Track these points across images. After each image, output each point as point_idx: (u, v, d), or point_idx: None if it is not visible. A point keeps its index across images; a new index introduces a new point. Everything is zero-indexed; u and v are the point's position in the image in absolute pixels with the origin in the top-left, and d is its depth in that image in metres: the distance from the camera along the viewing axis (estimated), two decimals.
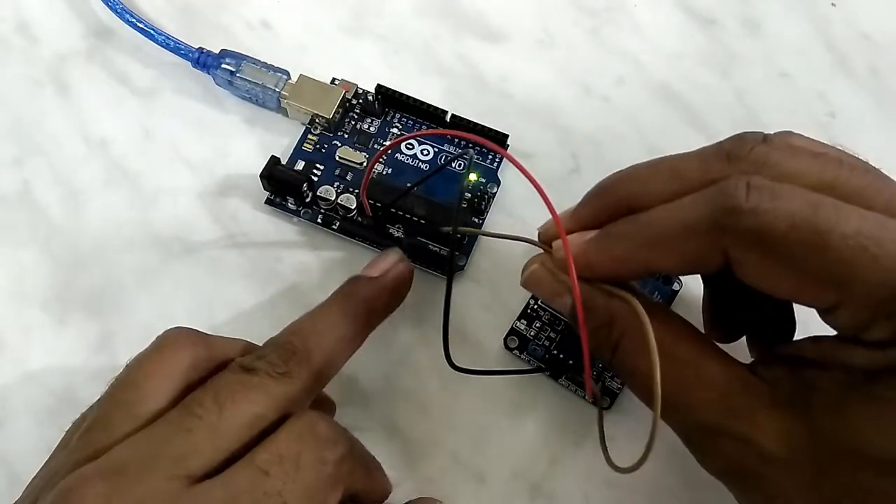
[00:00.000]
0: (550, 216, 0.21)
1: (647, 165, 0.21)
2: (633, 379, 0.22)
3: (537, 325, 0.28)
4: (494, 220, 0.30)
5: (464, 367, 0.24)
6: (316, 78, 0.30)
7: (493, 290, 0.29)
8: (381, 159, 0.30)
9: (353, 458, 0.21)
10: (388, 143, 0.30)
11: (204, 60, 0.30)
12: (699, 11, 0.33)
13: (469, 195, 0.29)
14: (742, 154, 0.19)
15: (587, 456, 0.27)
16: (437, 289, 0.29)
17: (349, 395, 0.28)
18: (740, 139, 0.20)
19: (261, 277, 0.29)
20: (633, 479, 0.27)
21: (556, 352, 0.28)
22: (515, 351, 0.28)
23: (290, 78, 0.30)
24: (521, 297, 0.29)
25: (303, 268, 0.29)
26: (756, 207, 0.18)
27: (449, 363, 0.24)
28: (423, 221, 0.28)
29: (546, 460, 0.27)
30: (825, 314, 0.19)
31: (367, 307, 0.24)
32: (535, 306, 0.28)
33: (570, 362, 0.28)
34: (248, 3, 0.33)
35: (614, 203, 0.21)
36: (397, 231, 0.29)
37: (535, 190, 0.21)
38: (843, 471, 0.18)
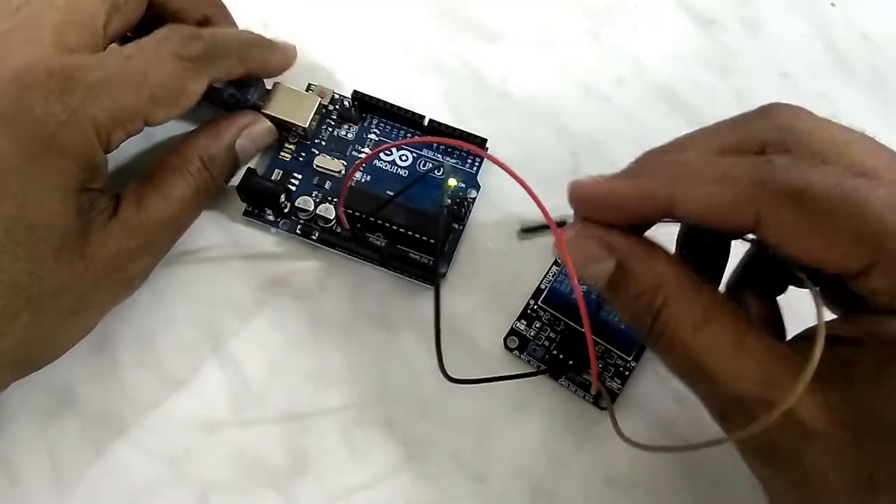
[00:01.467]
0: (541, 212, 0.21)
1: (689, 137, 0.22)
2: (672, 350, 0.21)
3: (537, 325, 0.28)
4: (478, 222, 0.30)
5: (461, 377, 0.24)
6: (292, 86, 0.30)
7: (492, 291, 0.29)
8: (360, 168, 0.30)
9: (213, 55, 0.26)
10: (366, 149, 0.30)
11: None
12: (699, 11, 0.33)
13: (448, 201, 0.29)
14: (776, 118, 0.21)
15: (587, 456, 0.27)
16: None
17: (349, 395, 0.28)
18: (770, 108, 0.21)
19: (261, 279, 0.29)
20: (633, 479, 0.27)
21: (555, 352, 0.28)
22: (515, 351, 0.28)
23: (264, 86, 0.30)
24: (520, 297, 0.29)
25: (304, 268, 0.29)
26: (797, 167, 0.19)
27: (445, 376, 0.24)
28: (403, 230, 0.28)
29: (546, 460, 0.27)
30: (855, 279, 0.19)
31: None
32: (535, 306, 0.28)
33: (570, 362, 0.28)
34: (248, 2, 0.33)
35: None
36: (377, 240, 0.29)
37: (520, 189, 0.21)
38: (880, 444, 0.18)
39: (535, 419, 0.28)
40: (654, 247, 0.21)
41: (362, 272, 0.29)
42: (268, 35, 0.29)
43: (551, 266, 0.29)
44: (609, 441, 0.27)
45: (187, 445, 0.27)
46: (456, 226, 0.29)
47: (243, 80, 0.28)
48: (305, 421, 0.28)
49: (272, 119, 0.29)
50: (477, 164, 0.30)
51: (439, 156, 0.30)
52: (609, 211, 0.22)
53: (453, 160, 0.30)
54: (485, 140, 0.29)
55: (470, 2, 0.33)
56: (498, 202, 0.30)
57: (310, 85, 0.31)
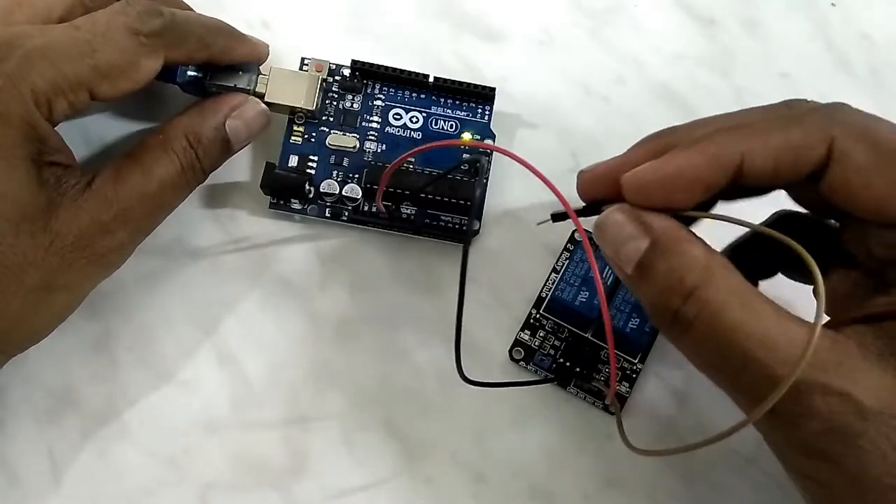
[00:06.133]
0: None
1: (703, 119, 0.22)
2: (708, 335, 0.20)
3: (541, 334, 0.28)
4: (500, 190, 0.30)
5: (475, 379, 0.24)
6: (289, 67, 0.29)
7: (494, 292, 0.29)
8: (373, 136, 0.30)
9: (172, 34, 0.25)
10: (375, 118, 0.30)
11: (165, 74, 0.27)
12: (699, 11, 0.33)
13: (467, 156, 0.29)
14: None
15: (587, 456, 0.27)
16: (437, 289, 0.29)
17: (349, 394, 0.28)
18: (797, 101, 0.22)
19: (261, 279, 0.29)
20: (633, 480, 0.27)
21: (562, 360, 0.28)
22: (521, 363, 0.28)
23: (257, 72, 0.29)
24: (523, 299, 0.29)
25: (304, 268, 0.29)
26: (862, 113, 0.20)
27: (462, 377, 0.24)
28: (430, 196, 0.28)
29: (547, 461, 0.27)
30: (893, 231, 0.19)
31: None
32: (537, 315, 0.28)
33: (578, 369, 0.27)
34: (248, 3, 0.33)
35: (674, 142, 0.21)
36: (408, 208, 0.29)
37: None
38: None
39: (536, 420, 0.28)
40: (691, 232, 0.21)
41: (362, 269, 0.29)
42: (267, 35, 0.30)
43: (550, 273, 0.29)
44: (611, 443, 0.27)
45: (187, 445, 0.27)
46: (482, 180, 0.29)
47: (235, 67, 0.28)
48: (305, 421, 0.28)
49: (276, 106, 0.29)
50: (487, 112, 0.30)
51: (449, 111, 0.30)
52: (674, 195, 0.21)
53: (463, 113, 0.30)
54: (493, 89, 0.29)
55: (470, 1, 0.33)
56: (500, 194, 0.30)
57: (303, 59, 0.30)
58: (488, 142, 0.30)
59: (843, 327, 0.19)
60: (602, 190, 0.22)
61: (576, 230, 0.29)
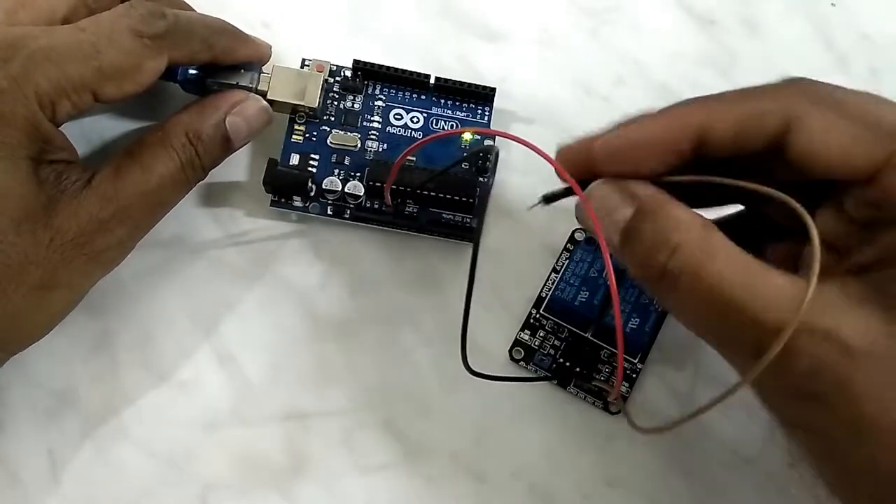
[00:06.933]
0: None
1: None
2: (695, 289, 0.20)
3: (541, 334, 0.28)
4: (499, 189, 0.30)
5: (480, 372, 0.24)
6: (290, 66, 0.29)
7: (494, 292, 0.29)
8: (374, 136, 0.30)
9: (176, 35, 0.25)
10: (376, 118, 0.30)
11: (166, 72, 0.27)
12: (699, 11, 0.33)
13: (467, 154, 0.29)
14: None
15: (587, 456, 0.27)
16: (438, 288, 0.29)
17: (349, 394, 0.28)
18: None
19: (261, 279, 0.29)
20: (633, 480, 0.27)
21: (562, 360, 0.28)
22: (521, 363, 0.28)
23: (259, 71, 0.29)
24: (523, 299, 0.29)
25: (304, 268, 0.29)
26: (823, 82, 0.21)
27: (467, 368, 0.24)
28: (433, 194, 0.28)
29: (546, 461, 0.27)
30: (872, 184, 0.20)
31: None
32: (537, 315, 0.28)
33: (577, 369, 0.28)
34: (249, 3, 0.33)
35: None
36: (410, 206, 0.29)
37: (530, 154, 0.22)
38: None
39: (536, 420, 0.28)
40: (674, 198, 0.21)
41: (362, 268, 0.29)
42: (268, 35, 0.30)
43: (550, 273, 0.29)
44: (611, 443, 0.27)
45: (187, 445, 0.27)
46: (482, 179, 0.29)
47: (238, 65, 0.28)
48: (305, 421, 0.28)
49: (279, 104, 0.29)
50: (487, 113, 0.30)
51: (449, 112, 0.30)
52: (642, 159, 0.22)
53: (463, 113, 0.30)
54: (493, 89, 0.30)
55: (470, 1, 0.33)
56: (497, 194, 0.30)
57: (304, 60, 0.30)
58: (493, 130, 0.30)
59: (826, 278, 0.19)
60: (582, 166, 0.23)
61: (576, 230, 0.29)
